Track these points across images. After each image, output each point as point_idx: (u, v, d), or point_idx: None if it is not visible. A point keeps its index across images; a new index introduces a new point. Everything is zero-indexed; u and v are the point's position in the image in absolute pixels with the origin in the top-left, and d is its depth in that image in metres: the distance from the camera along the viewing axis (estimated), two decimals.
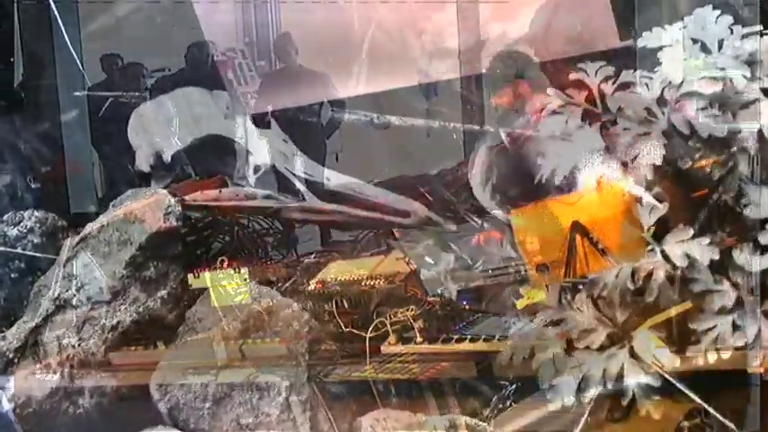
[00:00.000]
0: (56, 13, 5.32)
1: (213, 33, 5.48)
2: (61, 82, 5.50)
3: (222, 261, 4.25)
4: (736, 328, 3.25)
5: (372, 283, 4.33)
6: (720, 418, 3.34)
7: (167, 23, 5.46)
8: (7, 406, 4.11)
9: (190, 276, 4.24)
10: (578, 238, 3.66)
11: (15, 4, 5.48)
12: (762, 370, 3.36)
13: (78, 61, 5.40)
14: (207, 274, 4.19)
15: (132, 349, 4.26)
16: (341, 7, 5.23)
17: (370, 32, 5.14)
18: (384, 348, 3.98)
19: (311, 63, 5.52)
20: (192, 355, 4.12)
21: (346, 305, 4.23)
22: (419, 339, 3.96)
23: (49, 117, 5.50)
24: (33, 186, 5.28)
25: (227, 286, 4.15)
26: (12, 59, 5.57)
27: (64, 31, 5.32)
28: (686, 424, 3.51)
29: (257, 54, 5.59)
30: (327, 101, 5.42)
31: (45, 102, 5.54)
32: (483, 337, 3.87)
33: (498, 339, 3.80)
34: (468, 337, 3.91)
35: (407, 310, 4.08)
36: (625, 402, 3.26)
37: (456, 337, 3.94)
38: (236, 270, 4.17)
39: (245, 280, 4.14)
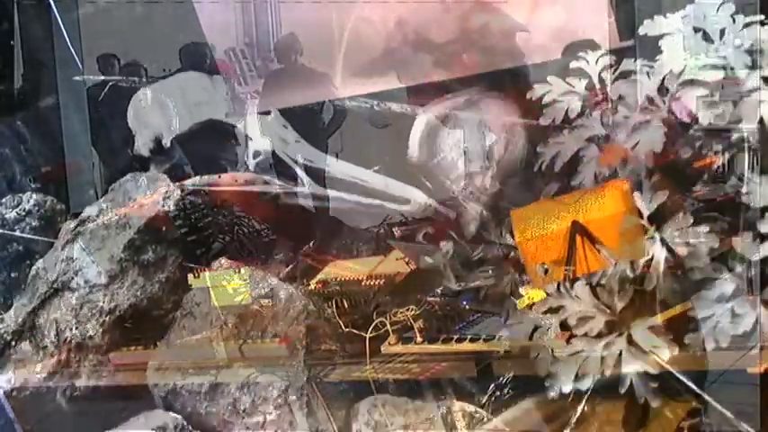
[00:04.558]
0: (56, 13, 5.33)
1: (213, 33, 5.47)
2: (61, 82, 5.50)
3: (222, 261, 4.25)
4: (734, 316, 3.23)
5: (372, 283, 4.30)
6: (719, 407, 3.32)
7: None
8: (1, 389, 4.11)
9: (190, 276, 4.24)
10: (578, 237, 3.64)
11: (15, 4, 5.48)
12: (762, 369, 3.34)
13: (78, 61, 5.39)
14: (207, 274, 4.19)
15: (132, 349, 4.26)
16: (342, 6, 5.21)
17: (368, 32, 5.13)
18: (384, 348, 3.95)
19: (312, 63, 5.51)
20: (192, 355, 4.12)
21: (346, 305, 4.20)
22: (419, 339, 3.94)
23: (48, 116, 5.50)
24: (33, 186, 5.28)
25: (227, 286, 4.14)
26: (11, 60, 5.57)
27: (64, 31, 5.32)
28: (686, 424, 3.50)
29: (257, 54, 5.57)
30: (328, 101, 5.41)
31: (44, 101, 5.54)
32: (483, 337, 3.84)
33: (498, 339, 3.78)
34: (468, 337, 3.88)
35: (407, 310, 4.06)
36: (622, 391, 3.24)
37: (456, 337, 3.91)
38: (237, 270, 4.17)
39: (246, 280, 4.14)
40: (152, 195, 4.39)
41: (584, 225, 3.62)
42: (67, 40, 5.32)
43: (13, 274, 4.63)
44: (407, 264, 4.37)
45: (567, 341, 3.41)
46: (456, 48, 4.67)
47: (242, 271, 4.17)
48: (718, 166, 3.46)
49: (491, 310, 4.01)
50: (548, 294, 3.60)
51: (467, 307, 4.10)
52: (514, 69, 4.53)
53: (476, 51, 4.64)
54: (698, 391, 3.35)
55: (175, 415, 4.02)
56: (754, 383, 3.40)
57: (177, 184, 4.40)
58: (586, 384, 3.28)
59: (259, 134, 5.00)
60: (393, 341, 3.96)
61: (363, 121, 5.20)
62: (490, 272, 4.09)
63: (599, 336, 3.33)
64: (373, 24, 5.01)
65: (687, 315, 3.30)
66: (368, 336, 3.96)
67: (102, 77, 5.52)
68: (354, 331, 4.04)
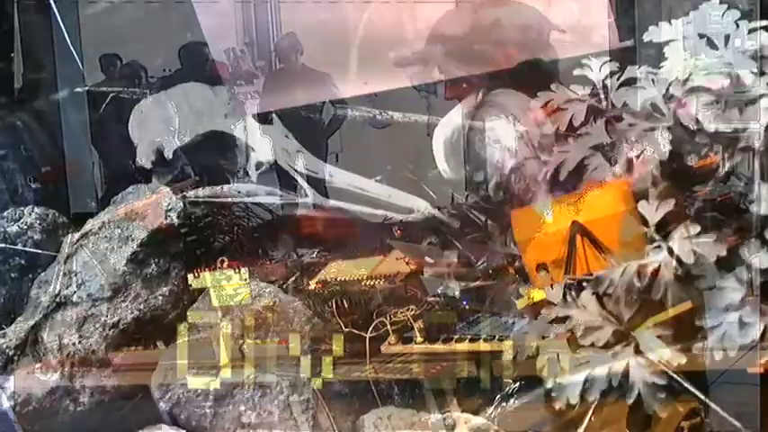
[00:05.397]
0: (56, 12, 5.31)
1: (213, 33, 5.45)
2: (61, 81, 5.48)
3: (222, 261, 4.23)
4: (742, 325, 3.22)
5: (372, 283, 4.30)
6: (726, 416, 3.32)
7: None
8: (7, 404, 4.10)
9: (190, 277, 4.22)
10: (578, 237, 3.63)
11: (15, 4, 5.46)
12: (762, 369, 3.33)
13: (78, 60, 5.37)
14: (207, 274, 4.18)
15: (133, 349, 4.26)
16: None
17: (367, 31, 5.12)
18: (384, 348, 3.98)
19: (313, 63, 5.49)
20: (193, 356, 4.11)
21: (346, 305, 4.20)
22: (419, 339, 3.95)
23: (48, 116, 5.48)
24: (33, 186, 5.26)
25: (227, 286, 4.14)
26: (11, 58, 5.55)
27: (64, 31, 5.30)
28: (686, 424, 3.50)
29: (257, 54, 5.56)
30: (329, 101, 5.39)
31: (44, 101, 5.53)
32: (483, 337, 3.86)
33: (498, 339, 3.80)
34: (468, 337, 3.90)
35: (407, 309, 4.06)
36: (630, 401, 3.24)
37: (456, 337, 3.93)
38: (237, 270, 4.16)
39: (246, 280, 4.13)
40: (151, 197, 4.39)
41: (584, 225, 3.62)
42: (68, 39, 5.30)
43: (14, 288, 4.61)
44: (407, 264, 4.36)
45: (574, 351, 3.40)
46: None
47: (242, 271, 4.16)
48: (720, 167, 3.45)
49: (491, 309, 4.02)
50: (548, 296, 3.59)
51: (467, 307, 4.10)
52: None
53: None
54: (705, 399, 3.35)
55: (181, 429, 4.02)
56: (754, 383, 3.40)
57: (180, 193, 4.39)
58: (593, 395, 3.27)
59: (261, 144, 5.00)
60: (393, 341, 3.99)
61: (363, 123, 5.20)
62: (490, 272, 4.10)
63: (606, 346, 3.32)
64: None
65: (694, 323, 3.29)
66: (368, 336, 3.99)
67: (102, 88, 5.50)
68: (354, 331, 4.07)
